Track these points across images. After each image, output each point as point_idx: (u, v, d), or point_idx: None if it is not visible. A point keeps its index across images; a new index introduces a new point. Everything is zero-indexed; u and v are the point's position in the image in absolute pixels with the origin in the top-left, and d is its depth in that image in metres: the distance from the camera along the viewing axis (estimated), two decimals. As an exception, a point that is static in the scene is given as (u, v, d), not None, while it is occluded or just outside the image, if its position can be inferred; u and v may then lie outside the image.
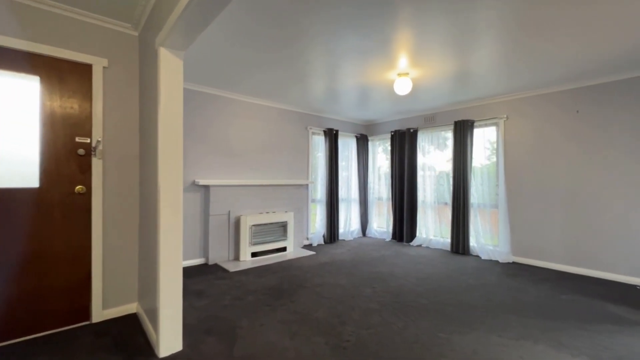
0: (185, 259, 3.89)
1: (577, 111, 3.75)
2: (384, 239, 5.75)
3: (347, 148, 5.99)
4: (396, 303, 2.80)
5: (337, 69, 3.35)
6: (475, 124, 4.63)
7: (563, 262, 3.82)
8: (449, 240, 4.90)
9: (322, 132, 5.46)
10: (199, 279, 3.41)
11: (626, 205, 3.40)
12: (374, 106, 5.02)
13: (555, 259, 3.89)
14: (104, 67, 2.40)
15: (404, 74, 3.38)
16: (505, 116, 4.34)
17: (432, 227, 5.21)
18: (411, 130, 5.39)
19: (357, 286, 3.23)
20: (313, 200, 5.44)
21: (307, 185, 5.26)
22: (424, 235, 5.27)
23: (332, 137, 5.44)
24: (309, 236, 5.28)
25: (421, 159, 5.36)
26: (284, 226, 4.66)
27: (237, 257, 4.19)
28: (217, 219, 4.06)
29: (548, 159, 3.98)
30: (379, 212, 6.16)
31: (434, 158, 5.23)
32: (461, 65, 3.19)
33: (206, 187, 4.06)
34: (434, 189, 5.21)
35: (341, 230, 5.77)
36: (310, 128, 5.33)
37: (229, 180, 4.12)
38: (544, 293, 3.06)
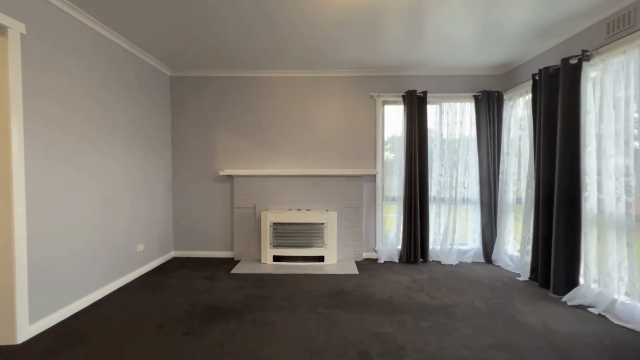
0: (213, 249, 3.81)
1: None
2: (517, 276, 3.14)
3: (455, 117, 3.76)
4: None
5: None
6: None
7: None
8: (662, 315, 1.90)
9: (401, 98, 3.71)
10: (193, 274, 3.18)
11: None
12: (503, 13, 2.76)
13: None
14: None
15: None
16: None
17: (618, 269, 2.24)
18: (571, 63, 2.56)
19: None
20: (387, 199, 3.83)
21: (373, 176, 3.76)
22: (594, 287, 2.37)
23: (412, 103, 3.58)
24: (378, 248, 3.76)
25: (591, 116, 2.45)
26: (322, 229, 3.56)
27: (259, 258, 3.64)
28: (242, 212, 3.67)
29: None
30: (518, 225, 3.46)
31: (621, 111, 2.22)
32: None
33: (230, 178, 3.78)
34: (621, 177, 2.21)
35: (437, 246, 3.71)
36: (379, 95, 3.75)
37: (253, 170, 3.62)
38: None
